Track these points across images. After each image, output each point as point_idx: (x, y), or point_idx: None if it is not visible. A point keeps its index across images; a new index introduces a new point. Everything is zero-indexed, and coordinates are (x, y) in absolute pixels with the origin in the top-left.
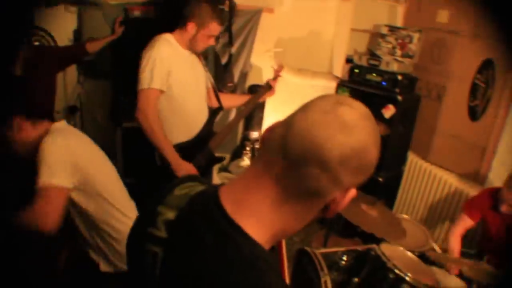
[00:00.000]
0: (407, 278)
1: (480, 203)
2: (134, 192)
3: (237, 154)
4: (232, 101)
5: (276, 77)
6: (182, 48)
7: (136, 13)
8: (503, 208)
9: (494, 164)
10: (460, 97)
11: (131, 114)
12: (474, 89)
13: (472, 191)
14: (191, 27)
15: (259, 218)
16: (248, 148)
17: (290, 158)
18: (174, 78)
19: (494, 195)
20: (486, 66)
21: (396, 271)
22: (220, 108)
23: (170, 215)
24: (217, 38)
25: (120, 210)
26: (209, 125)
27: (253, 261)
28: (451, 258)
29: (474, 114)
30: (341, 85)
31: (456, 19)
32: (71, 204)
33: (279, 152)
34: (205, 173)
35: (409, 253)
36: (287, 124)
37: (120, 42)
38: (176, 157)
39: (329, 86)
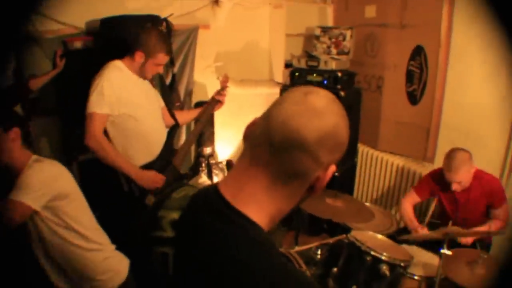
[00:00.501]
0: (383, 258)
1: (429, 185)
2: (103, 223)
3: (194, 171)
4: (185, 117)
5: (223, 88)
6: (132, 73)
7: (76, 44)
8: (454, 187)
9: (439, 142)
10: (397, 85)
11: (84, 146)
12: (409, 75)
13: (423, 170)
14: (139, 56)
15: (257, 203)
16: (203, 165)
17: (275, 146)
18: (126, 102)
19: (439, 177)
20: (417, 53)
21: (372, 252)
22: (177, 125)
23: (174, 215)
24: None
25: (84, 236)
26: (169, 143)
27: (259, 242)
28: (420, 236)
29: (413, 98)
30: (284, 89)
31: (383, 13)
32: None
33: (264, 143)
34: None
35: (379, 236)
36: (265, 118)
37: (63, 75)
38: (136, 169)
39: (273, 93)
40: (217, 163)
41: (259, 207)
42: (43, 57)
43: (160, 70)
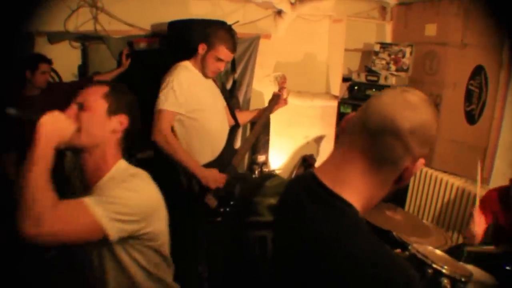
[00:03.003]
0: (444, 271)
1: (490, 205)
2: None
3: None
4: (245, 117)
5: (281, 88)
6: (200, 73)
7: (142, 45)
8: None
9: (496, 163)
10: (456, 104)
11: (143, 145)
12: (468, 94)
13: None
14: (201, 48)
15: (353, 188)
16: (256, 172)
17: (370, 133)
18: (194, 102)
19: (501, 194)
20: (477, 72)
21: (434, 265)
22: (237, 125)
23: (272, 201)
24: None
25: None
26: (229, 143)
27: (357, 224)
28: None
29: (471, 118)
30: (343, 102)
31: (444, 31)
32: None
33: (360, 131)
34: (230, 191)
35: (438, 251)
36: (363, 110)
37: (127, 74)
38: (201, 168)
39: (329, 106)
40: (270, 171)
41: (356, 191)
42: (107, 55)
43: (221, 66)
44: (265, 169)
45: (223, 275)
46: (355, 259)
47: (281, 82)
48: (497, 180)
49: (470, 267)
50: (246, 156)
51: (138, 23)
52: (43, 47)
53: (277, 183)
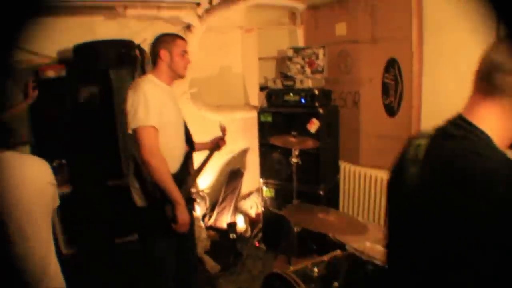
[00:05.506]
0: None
1: None
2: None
3: None
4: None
5: (223, 135)
6: (165, 84)
7: (49, 73)
8: None
9: None
10: (374, 99)
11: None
12: (385, 88)
13: None
14: (163, 54)
15: (488, 122)
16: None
17: (488, 76)
18: (165, 115)
19: None
20: (390, 65)
21: (375, 261)
22: (193, 148)
23: (423, 141)
24: None
25: None
26: (187, 161)
27: (491, 144)
28: None
29: (391, 110)
30: (262, 111)
31: (354, 29)
32: None
33: (483, 75)
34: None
35: (378, 246)
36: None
37: (38, 105)
38: (184, 204)
39: (250, 117)
40: (198, 192)
41: (490, 126)
42: (14, 88)
43: (188, 59)
44: (193, 190)
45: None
46: (495, 176)
47: (223, 129)
48: None
49: None
50: None
51: (43, 51)
52: None
53: (429, 129)
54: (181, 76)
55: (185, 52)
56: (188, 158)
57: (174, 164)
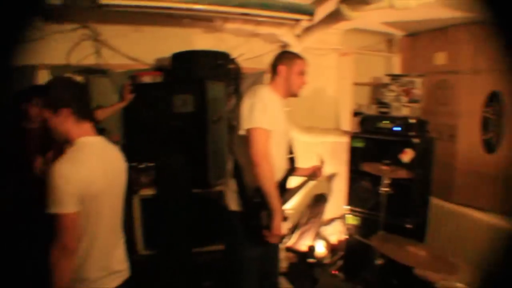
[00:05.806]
0: None
1: None
2: None
3: None
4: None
5: (321, 167)
6: (279, 97)
7: (145, 79)
8: None
9: None
10: (472, 133)
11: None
12: (485, 122)
13: (503, 223)
14: (282, 69)
15: None
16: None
17: None
18: (277, 123)
19: None
20: (492, 98)
21: None
22: (294, 169)
23: None
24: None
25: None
26: (286, 177)
27: None
28: None
29: (489, 146)
30: (355, 136)
31: (454, 59)
32: None
33: None
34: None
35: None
36: None
37: (132, 108)
38: (282, 212)
39: (340, 141)
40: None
41: None
42: (110, 89)
43: (304, 80)
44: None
45: None
46: None
47: (322, 162)
48: None
49: None
50: None
51: (141, 57)
52: (45, 80)
53: None
54: (294, 95)
55: (303, 72)
56: (288, 175)
57: (276, 174)
